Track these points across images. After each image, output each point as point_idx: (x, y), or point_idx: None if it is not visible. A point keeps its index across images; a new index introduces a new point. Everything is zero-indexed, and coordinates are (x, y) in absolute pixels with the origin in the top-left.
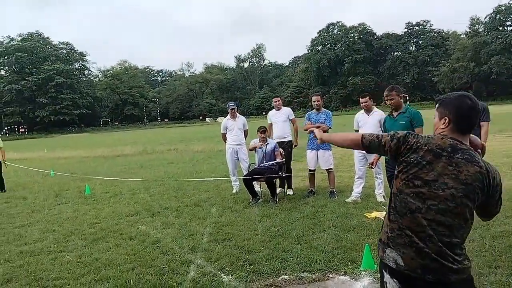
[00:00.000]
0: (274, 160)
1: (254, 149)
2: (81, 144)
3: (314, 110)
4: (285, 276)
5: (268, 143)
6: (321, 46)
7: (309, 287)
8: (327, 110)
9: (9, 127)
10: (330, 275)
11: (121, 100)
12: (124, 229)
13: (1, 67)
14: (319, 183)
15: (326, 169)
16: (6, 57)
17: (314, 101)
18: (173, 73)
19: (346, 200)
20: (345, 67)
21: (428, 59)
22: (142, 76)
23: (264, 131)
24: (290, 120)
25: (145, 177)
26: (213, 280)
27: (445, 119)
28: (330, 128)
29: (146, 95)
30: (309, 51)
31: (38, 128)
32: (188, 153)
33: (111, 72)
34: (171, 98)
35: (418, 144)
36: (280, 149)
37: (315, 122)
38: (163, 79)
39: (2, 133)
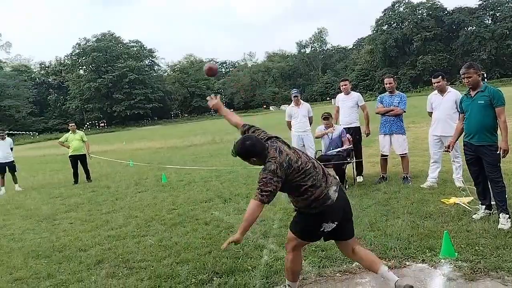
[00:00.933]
0: (341, 146)
1: (321, 136)
2: (155, 135)
3: (387, 92)
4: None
5: (334, 129)
6: (386, 25)
7: (406, 280)
8: (400, 93)
9: (90, 122)
10: (407, 263)
11: (189, 93)
12: (199, 214)
13: (80, 67)
14: (391, 168)
15: (400, 154)
16: (84, 58)
17: (386, 83)
18: (236, 63)
19: (421, 186)
20: (413, 46)
21: (507, 32)
22: None
23: (328, 118)
24: (359, 106)
25: (215, 165)
26: None
27: None
28: (405, 111)
29: (212, 86)
30: (374, 31)
31: (116, 122)
32: None
33: (178, 66)
34: (235, 88)
35: None
36: (348, 135)
37: (388, 105)
38: (227, 70)
39: (84, 128)
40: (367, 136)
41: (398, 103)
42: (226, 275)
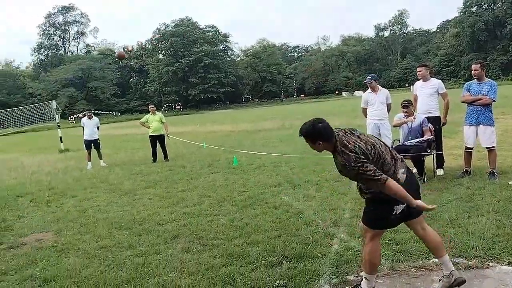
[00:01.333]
0: (422, 136)
1: (400, 125)
2: (226, 119)
3: (475, 80)
4: (436, 260)
5: (415, 118)
6: (476, 7)
7: (464, 273)
8: (491, 81)
9: (167, 104)
10: (490, 264)
11: (260, 78)
12: (269, 198)
13: (160, 52)
14: (475, 162)
15: (487, 148)
16: (163, 42)
17: (473, 70)
18: (309, 48)
19: (509, 183)
20: (506, 29)
21: None
22: (279, 53)
23: (408, 106)
24: (440, 94)
25: (284, 151)
26: (358, 255)
27: None
28: (494, 101)
29: (283, 71)
30: (461, 13)
31: (191, 105)
32: None
33: (251, 51)
34: (307, 73)
35: None
36: (430, 125)
37: (476, 93)
38: (299, 54)
39: (161, 110)
40: (443, 125)
41: (487, 91)
42: (295, 260)
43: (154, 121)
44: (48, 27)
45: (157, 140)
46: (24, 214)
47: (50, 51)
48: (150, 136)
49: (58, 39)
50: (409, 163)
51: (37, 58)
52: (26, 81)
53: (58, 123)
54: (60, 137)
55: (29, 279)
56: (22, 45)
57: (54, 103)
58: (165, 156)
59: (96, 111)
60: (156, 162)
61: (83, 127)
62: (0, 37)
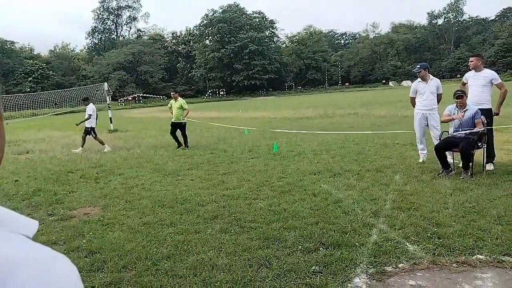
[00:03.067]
0: (473, 128)
1: (448, 121)
2: (269, 106)
3: None
4: (481, 256)
5: (467, 109)
6: None
7: (510, 272)
8: None
9: (211, 90)
10: None
11: (304, 65)
12: (308, 185)
13: (207, 37)
14: None
15: None
16: (210, 28)
17: None
18: (357, 35)
19: None
20: None
21: None
22: (325, 40)
23: (462, 96)
24: (495, 85)
25: (325, 139)
26: (397, 247)
27: None
28: None
29: (328, 59)
30: None
31: (234, 91)
32: (369, 118)
33: (297, 37)
34: (353, 61)
35: None
36: (482, 117)
37: None
38: (346, 42)
39: (206, 95)
40: (495, 115)
41: None
42: (332, 247)
43: (174, 107)
44: (102, 11)
45: (177, 127)
46: (74, 189)
47: (104, 35)
48: (171, 122)
49: (111, 23)
50: (457, 156)
51: (91, 41)
52: (80, 64)
53: (108, 104)
54: (110, 118)
55: (76, 250)
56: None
57: (105, 85)
58: (185, 143)
59: (145, 95)
60: (198, 146)
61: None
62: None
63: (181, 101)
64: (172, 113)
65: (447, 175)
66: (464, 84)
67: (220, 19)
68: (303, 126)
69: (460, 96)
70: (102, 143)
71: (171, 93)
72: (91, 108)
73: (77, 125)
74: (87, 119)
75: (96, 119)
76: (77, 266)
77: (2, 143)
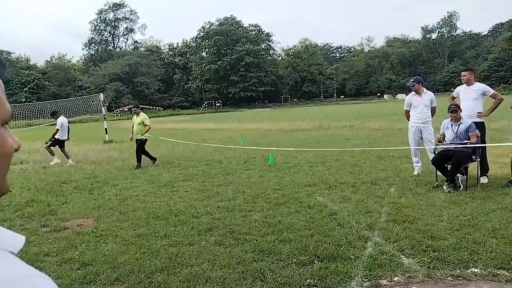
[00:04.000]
0: (468, 140)
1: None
2: (264, 118)
3: None
4: (475, 270)
5: (461, 123)
6: None
7: (505, 286)
8: None
9: (207, 101)
10: None
11: (300, 78)
12: (303, 197)
13: (203, 49)
14: None
15: None
16: (207, 40)
17: None
18: (352, 48)
19: None
20: None
21: None
22: (321, 53)
23: (456, 110)
24: (489, 96)
25: (321, 152)
26: (392, 260)
27: None
28: None
29: (324, 72)
30: None
31: (230, 103)
32: (364, 130)
33: (293, 50)
34: (348, 74)
35: None
36: (477, 130)
37: None
38: (341, 55)
39: (202, 107)
40: (478, 114)
41: None
42: (327, 260)
43: (135, 123)
44: (99, 23)
45: (137, 143)
46: (68, 200)
47: (100, 46)
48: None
49: (108, 35)
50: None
51: (88, 52)
52: (76, 74)
53: (104, 115)
54: (106, 129)
55: (68, 261)
56: (74, 40)
57: (101, 96)
58: (138, 161)
59: (141, 106)
60: (193, 157)
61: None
62: (55, 32)
63: (142, 116)
64: (133, 130)
65: (454, 190)
66: (453, 98)
67: (217, 32)
68: (298, 138)
69: (455, 111)
70: (67, 156)
71: (133, 109)
72: (59, 122)
73: (46, 143)
74: (55, 133)
75: (68, 131)
76: (69, 278)
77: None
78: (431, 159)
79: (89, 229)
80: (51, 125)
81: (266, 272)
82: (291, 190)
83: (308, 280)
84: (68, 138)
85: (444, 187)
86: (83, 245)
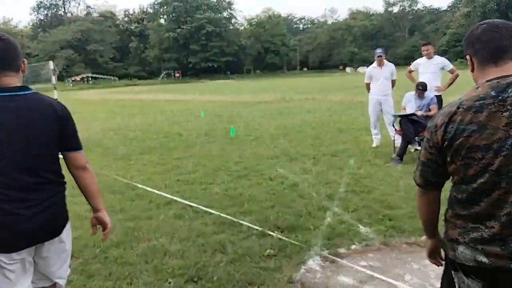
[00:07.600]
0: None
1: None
2: (227, 90)
3: None
4: None
5: (424, 97)
6: None
7: None
8: None
9: (166, 71)
10: None
11: (263, 49)
12: (265, 170)
13: (161, 16)
14: None
15: None
16: (165, 7)
17: None
18: (316, 20)
19: None
20: None
21: None
22: (284, 23)
23: (424, 91)
24: (447, 70)
25: (283, 124)
26: (350, 229)
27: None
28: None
29: (287, 43)
30: None
31: (191, 73)
32: (325, 103)
33: (256, 20)
34: (311, 46)
35: None
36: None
37: None
38: (305, 26)
39: (160, 77)
40: (436, 88)
41: None
42: (287, 231)
43: None
44: None
45: None
46: None
47: (50, 11)
48: None
49: None
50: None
51: (36, 17)
52: (24, 41)
53: (54, 85)
54: (56, 99)
55: None
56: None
57: (51, 64)
58: None
59: (94, 75)
60: (153, 128)
61: None
62: None
63: None
64: None
65: (397, 164)
66: (410, 71)
67: None
68: (261, 110)
69: (423, 91)
70: None
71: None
72: None
73: None
74: None
75: None
76: None
77: None
78: (390, 131)
79: None
80: None
81: (226, 243)
82: (253, 163)
83: (268, 250)
84: None
85: (391, 163)
86: None
